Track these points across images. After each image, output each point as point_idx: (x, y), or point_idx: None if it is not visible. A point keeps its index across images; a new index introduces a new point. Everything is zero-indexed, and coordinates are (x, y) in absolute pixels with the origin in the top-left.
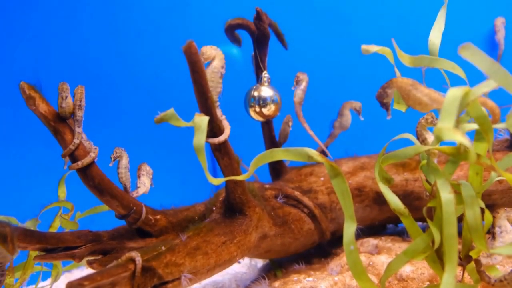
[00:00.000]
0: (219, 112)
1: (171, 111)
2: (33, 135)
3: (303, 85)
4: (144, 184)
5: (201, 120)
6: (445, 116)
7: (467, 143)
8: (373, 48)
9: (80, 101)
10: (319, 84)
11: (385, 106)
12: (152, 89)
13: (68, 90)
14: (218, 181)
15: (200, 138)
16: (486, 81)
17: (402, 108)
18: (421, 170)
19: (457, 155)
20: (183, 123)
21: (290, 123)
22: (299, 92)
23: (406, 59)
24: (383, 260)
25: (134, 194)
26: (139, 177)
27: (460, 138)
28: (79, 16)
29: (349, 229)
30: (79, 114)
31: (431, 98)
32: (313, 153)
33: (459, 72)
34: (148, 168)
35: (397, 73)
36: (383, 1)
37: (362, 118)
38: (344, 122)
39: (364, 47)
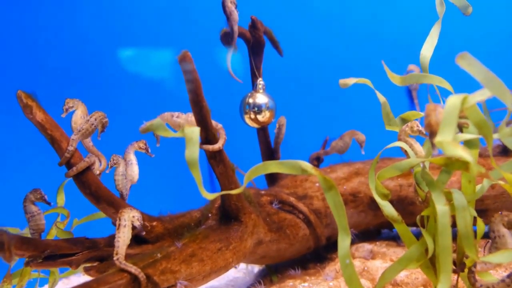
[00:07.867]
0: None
1: (158, 120)
2: (32, 143)
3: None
4: (125, 176)
5: (192, 131)
6: (445, 128)
7: (469, 158)
8: (351, 81)
9: (90, 117)
10: (315, 91)
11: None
12: (149, 95)
13: (69, 103)
14: (212, 196)
15: (192, 151)
16: (481, 90)
17: (396, 129)
18: (414, 177)
19: (450, 165)
20: (171, 134)
21: (283, 128)
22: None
23: (396, 79)
24: (377, 265)
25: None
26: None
27: (462, 153)
28: (74, 22)
29: (344, 242)
30: (84, 126)
31: None
32: (307, 166)
33: (446, 85)
34: (134, 146)
35: (380, 97)
36: (379, 7)
37: (363, 152)
38: (341, 148)
39: (341, 81)
